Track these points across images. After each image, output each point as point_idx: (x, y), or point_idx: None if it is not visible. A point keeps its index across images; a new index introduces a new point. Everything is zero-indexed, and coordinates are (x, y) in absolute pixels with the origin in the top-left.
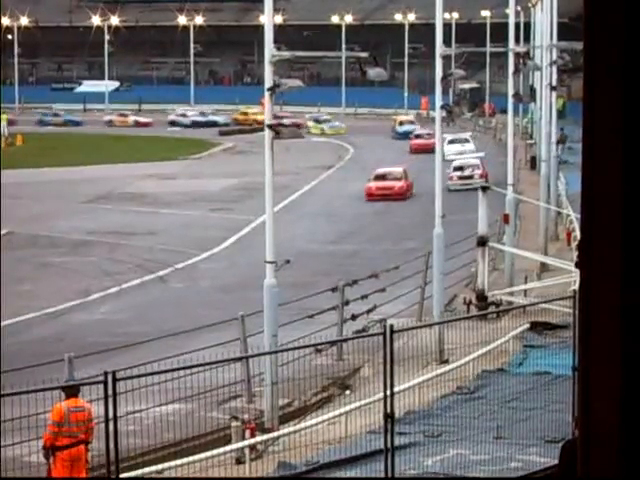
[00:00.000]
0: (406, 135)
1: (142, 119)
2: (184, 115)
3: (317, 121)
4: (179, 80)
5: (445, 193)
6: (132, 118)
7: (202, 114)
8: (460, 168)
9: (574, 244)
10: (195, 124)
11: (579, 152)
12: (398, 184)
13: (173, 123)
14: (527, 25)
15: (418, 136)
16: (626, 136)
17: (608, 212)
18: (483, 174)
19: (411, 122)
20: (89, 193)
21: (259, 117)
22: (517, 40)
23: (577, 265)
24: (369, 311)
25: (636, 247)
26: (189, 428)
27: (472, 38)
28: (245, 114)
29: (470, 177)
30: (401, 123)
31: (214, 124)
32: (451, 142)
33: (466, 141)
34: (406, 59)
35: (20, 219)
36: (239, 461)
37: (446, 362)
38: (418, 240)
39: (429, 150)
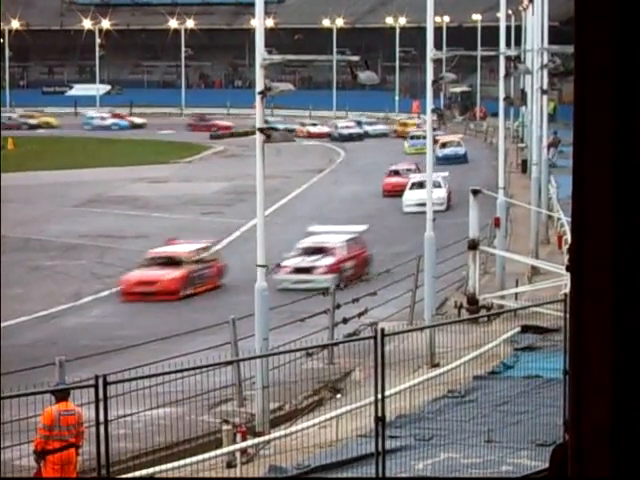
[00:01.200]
0: (449, 160)
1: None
2: (336, 127)
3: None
4: (170, 83)
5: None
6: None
7: (358, 124)
8: (312, 251)
9: (565, 247)
10: (343, 137)
11: (570, 155)
12: (171, 274)
13: (334, 136)
14: (518, 29)
15: (396, 172)
16: (617, 139)
17: (599, 215)
18: (333, 268)
19: (458, 143)
20: (80, 196)
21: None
22: (508, 44)
23: (568, 268)
24: (360, 314)
25: (627, 251)
26: (180, 432)
27: (463, 42)
28: (405, 125)
29: (309, 270)
30: (444, 145)
31: (361, 136)
32: (414, 186)
33: (437, 186)
34: (397, 63)
35: (11, 222)
36: (230, 465)
37: (437, 366)
38: None
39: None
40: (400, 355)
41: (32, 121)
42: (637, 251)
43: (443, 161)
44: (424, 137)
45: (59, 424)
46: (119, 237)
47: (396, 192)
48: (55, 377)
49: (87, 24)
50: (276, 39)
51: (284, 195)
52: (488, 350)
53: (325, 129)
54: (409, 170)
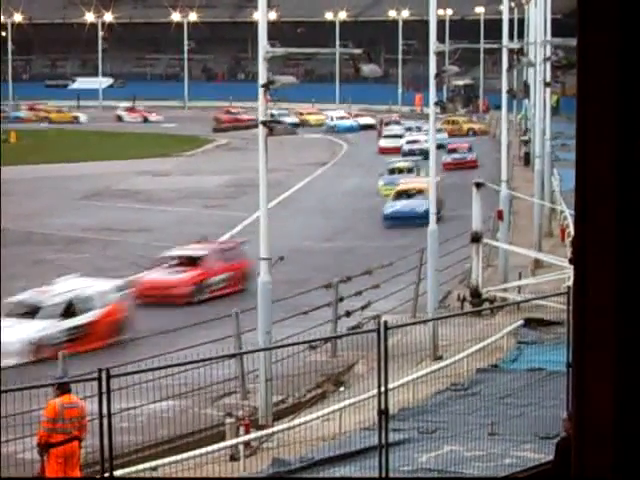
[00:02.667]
0: (399, 220)
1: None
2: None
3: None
4: (173, 76)
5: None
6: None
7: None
8: None
9: (568, 240)
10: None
11: (573, 148)
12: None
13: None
14: (521, 21)
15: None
16: (619, 132)
17: (601, 208)
18: None
19: (421, 192)
20: (83, 190)
21: (475, 126)
22: (511, 36)
23: (571, 261)
24: (363, 308)
25: (629, 243)
26: (183, 425)
27: (466, 34)
28: (455, 122)
29: None
30: (402, 193)
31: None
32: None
33: None
34: (400, 55)
35: (14, 215)
36: (233, 458)
37: (440, 358)
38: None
39: None
40: (403, 348)
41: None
42: None
43: (391, 221)
44: (408, 169)
45: (62, 417)
46: (122, 230)
47: None
48: (58, 370)
49: (90, 17)
50: (279, 32)
51: (287, 188)
52: (491, 343)
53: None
54: (224, 252)
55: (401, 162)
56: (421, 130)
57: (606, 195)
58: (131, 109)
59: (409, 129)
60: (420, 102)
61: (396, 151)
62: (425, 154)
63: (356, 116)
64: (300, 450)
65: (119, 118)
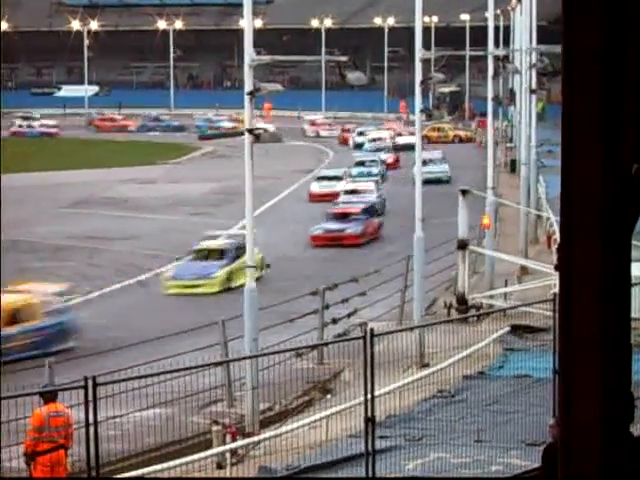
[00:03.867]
0: None
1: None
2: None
3: None
4: (159, 84)
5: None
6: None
7: None
8: None
9: (554, 247)
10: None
11: (559, 155)
12: None
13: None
14: (507, 28)
15: None
16: (605, 139)
17: (587, 215)
18: None
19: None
20: (69, 198)
21: (461, 133)
22: (497, 43)
23: (557, 268)
24: (350, 315)
25: (615, 250)
26: (170, 433)
27: (452, 42)
28: (441, 129)
29: None
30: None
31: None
32: None
33: None
34: (386, 63)
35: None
36: (220, 465)
37: (427, 365)
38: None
39: None
40: (390, 355)
41: None
42: (625, 251)
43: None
44: (221, 253)
45: (48, 426)
46: (108, 238)
47: None
48: (44, 379)
49: (75, 25)
50: (264, 39)
51: (273, 196)
52: (478, 350)
53: None
54: None
55: (214, 241)
56: (376, 163)
57: (592, 202)
58: (313, 123)
59: (361, 164)
60: (404, 109)
61: (333, 198)
62: (369, 213)
63: (398, 135)
64: (287, 458)
65: (303, 132)
